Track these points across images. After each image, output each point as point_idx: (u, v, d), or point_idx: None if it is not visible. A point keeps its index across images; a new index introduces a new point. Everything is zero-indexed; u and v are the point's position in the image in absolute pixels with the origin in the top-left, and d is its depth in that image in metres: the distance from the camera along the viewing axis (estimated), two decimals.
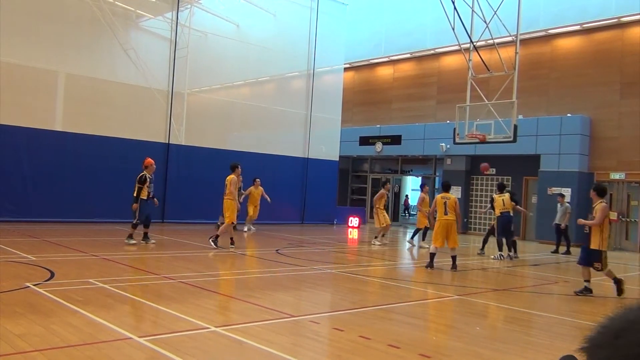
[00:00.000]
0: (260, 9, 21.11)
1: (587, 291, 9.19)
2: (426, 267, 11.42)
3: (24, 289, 6.99)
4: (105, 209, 16.89)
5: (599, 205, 9.08)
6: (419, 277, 11.09)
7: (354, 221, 22.54)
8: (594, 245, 9.03)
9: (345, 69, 25.91)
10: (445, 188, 12.44)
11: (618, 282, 9.19)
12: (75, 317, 5.84)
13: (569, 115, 20.14)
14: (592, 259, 9.15)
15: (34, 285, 7.23)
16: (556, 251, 16.61)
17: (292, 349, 5.40)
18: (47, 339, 4.98)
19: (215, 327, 5.72)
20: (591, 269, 9.17)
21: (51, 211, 16.12)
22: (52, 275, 8.04)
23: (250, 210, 17.43)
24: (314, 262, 11.40)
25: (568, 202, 17.44)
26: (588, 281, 9.26)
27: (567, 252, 16.22)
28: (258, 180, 17.59)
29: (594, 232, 9.08)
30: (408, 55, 26.27)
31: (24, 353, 4.56)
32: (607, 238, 9.18)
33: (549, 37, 21.54)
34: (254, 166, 18.77)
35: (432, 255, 11.53)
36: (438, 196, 12.08)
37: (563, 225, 16.42)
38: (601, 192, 9.33)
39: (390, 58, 26.91)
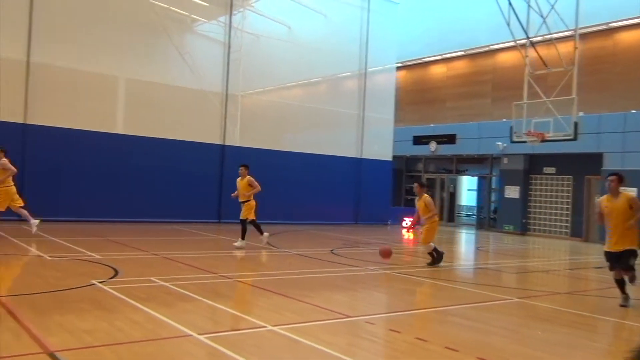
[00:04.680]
0: (311, 10, 21.24)
1: None
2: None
3: (89, 286, 7.27)
4: (163, 209, 17.40)
5: None
6: (476, 279, 10.88)
7: (408, 221, 22.30)
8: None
9: (398, 68, 25.73)
10: None
11: None
12: (138, 313, 6.03)
13: (633, 111, 19.29)
14: None
15: (99, 282, 7.51)
16: None
17: (348, 349, 5.39)
18: (112, 334, 5.16)
19: (272, 326, 5.78)
20: None
21: (109, 212, 16.73)
22: (116, 273, 8.33)
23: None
24: (369, 263, 11.36)
25: None
26: None
27: None
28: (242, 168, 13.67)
29: None
30: (462, 53, 25.83)
31: (92, 348, 4.74)
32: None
33: (610, 31, 20.71)
34: (307, 166, 18.89)
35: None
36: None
37: None
38: None
39: (443, 56, 26.53)
